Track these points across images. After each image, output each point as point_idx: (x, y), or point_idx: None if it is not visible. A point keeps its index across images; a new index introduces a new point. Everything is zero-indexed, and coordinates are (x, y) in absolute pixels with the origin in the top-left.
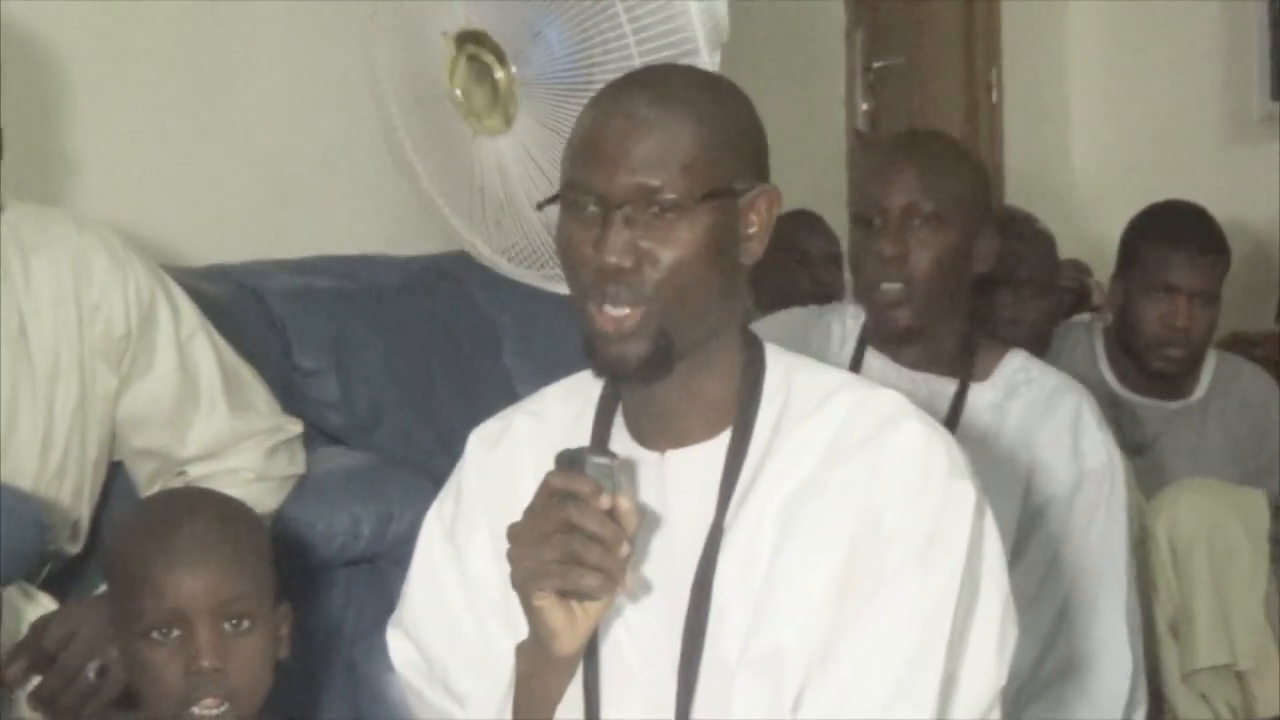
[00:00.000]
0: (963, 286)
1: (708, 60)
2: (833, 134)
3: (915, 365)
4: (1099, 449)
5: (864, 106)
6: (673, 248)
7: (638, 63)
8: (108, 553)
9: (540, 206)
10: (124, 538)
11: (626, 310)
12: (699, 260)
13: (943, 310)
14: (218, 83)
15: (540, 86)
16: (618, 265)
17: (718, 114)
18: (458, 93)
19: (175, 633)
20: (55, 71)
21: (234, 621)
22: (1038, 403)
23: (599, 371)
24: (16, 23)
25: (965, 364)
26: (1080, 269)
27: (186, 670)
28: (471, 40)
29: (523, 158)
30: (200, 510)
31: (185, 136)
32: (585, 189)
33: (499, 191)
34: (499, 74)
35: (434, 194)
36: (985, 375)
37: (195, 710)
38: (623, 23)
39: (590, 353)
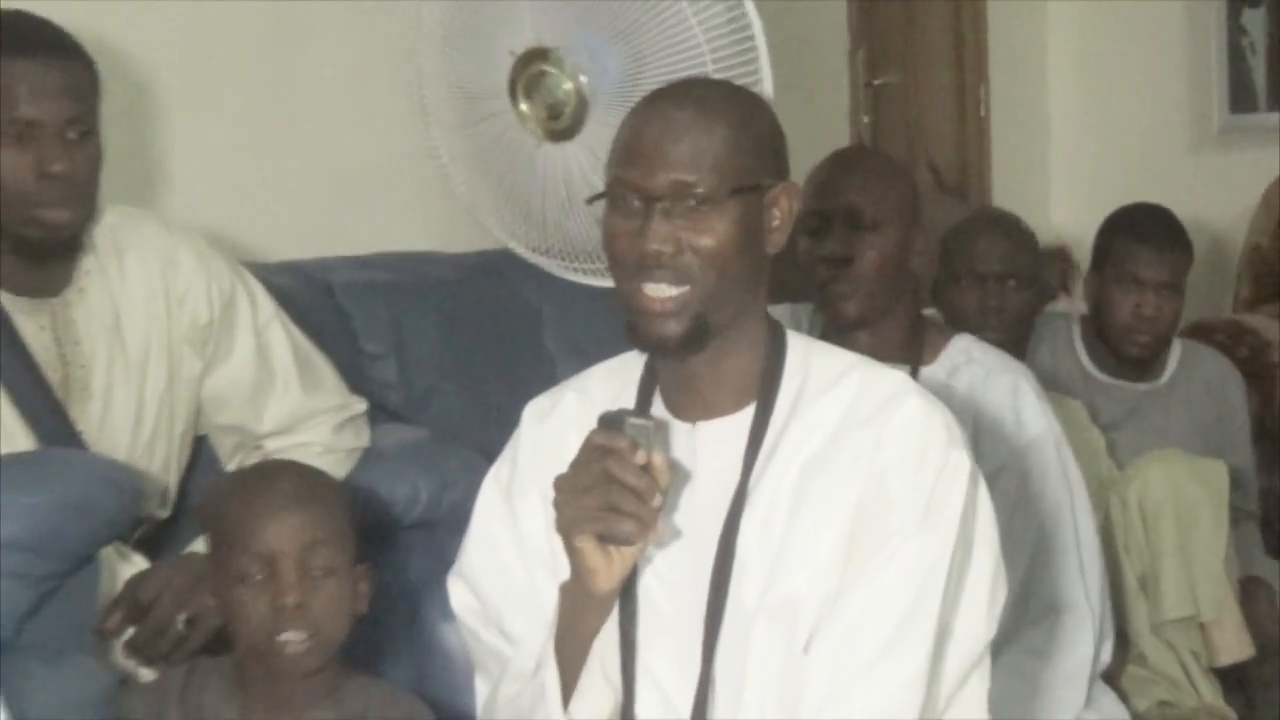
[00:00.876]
0: (905, 281)
1: (767, 64)
2: (837, 144)
3: (867, 354)
4: (1039, 418)
5: (865, 119)
6: (706, 236)
7: (711, 69)
8: (208, 512)
9: (590, 201)
10: (222, 499)
11: (667, 291)
12: (729, 248)
13: (888, 303)
14: (288, 100)
15: (611, 95)
16: (658, 251)
17: (744, 119)
18: (524, 107)
19: (264, 575)
20: (148, 91)
21: (315, 567)
22: (979, 379)
23: (641, 348)
24: (114, 48)
25: (914, 350)
26: (1063, 256)
27: (273, 606)
28: (537, 57)
29: (593, 162)
30: (286, 473)
31: (260, 147)
32: (629, 186)
33: (563, 195)
34: (567, 85)
35: (470, 201)
36: (933, 358)
37: (280, 638)
38: (696, 32)
39: (632, 330)
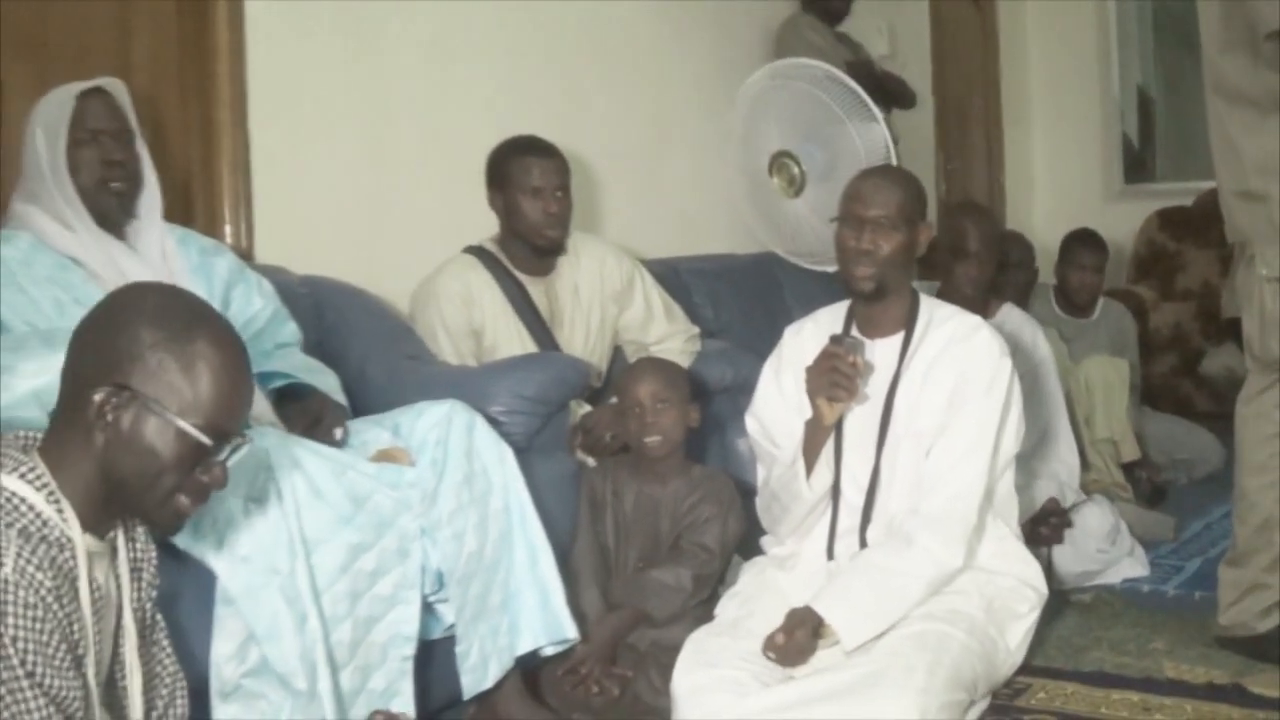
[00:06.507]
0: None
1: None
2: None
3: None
4: (1044, 351)
5: (943, 187)
6: (888, 243)
7: (864, 163)
8: (619, 384)
9: (832, 220)
10: (624, 377)
11: (868, 269)
12: (898, 250)
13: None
14: (659, 174)
15: (820, 175)
16: (867, 249)
17: (909, 186)
18: (775, 181)
19: (636, 409)
20: (588, 169)
21: (660, 403)
22: (1017, 327)
23: (852, 296)
24: (573, 149)
25: (980, 309)
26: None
27: (640, 424)
28: (783, 155)
29: (809, 207)
30: (647, 361)
31: (643, 199)
32: (855, 214)
33: (797, 222)
34: (796, 170)
35: (755, 229)
36: (993, 316)
37: (645, 440)
38: (859, 149)
39: (849, 288)
